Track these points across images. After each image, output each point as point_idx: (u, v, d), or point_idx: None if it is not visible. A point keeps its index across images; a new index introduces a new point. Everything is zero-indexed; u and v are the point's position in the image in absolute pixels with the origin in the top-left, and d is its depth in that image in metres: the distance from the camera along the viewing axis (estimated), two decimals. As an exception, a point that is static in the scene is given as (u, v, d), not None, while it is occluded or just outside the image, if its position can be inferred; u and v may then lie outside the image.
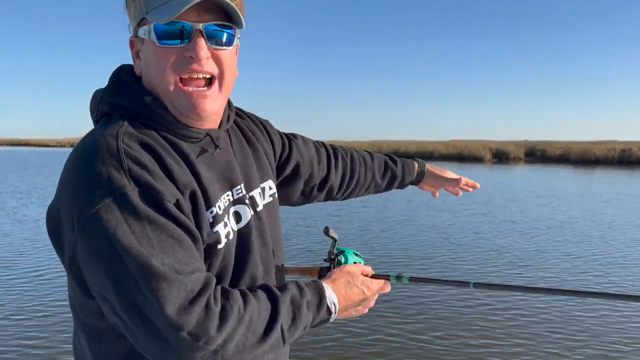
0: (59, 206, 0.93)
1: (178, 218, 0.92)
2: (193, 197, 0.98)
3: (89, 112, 1.11)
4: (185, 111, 1.01)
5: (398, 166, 1.65)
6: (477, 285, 1.26)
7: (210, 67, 1.01)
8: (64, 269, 0.97)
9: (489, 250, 7.89)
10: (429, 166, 1.72)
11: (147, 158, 0.93)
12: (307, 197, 1.51)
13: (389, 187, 1.67)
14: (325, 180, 1.51)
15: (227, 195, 1.09)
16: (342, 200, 1.63)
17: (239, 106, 1.30)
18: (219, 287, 0.94)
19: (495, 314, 4.96)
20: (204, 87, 1.02)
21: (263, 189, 1.23)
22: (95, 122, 1.08)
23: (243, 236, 1.10)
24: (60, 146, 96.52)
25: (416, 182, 1.71)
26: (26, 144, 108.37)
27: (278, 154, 1.38)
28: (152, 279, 0.85)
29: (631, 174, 26.30)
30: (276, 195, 1.28)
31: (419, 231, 8.95)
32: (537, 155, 39.03)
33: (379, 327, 4.60)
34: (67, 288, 1.07)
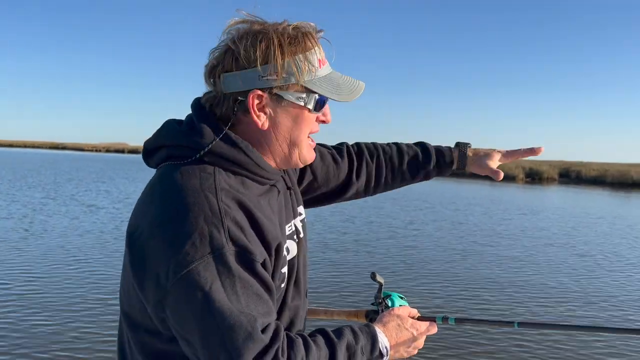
0: (148, 248, 0.98)
1: (262, 277, 1.00)
2: (277, 249, 1.07)
3: (155, 139, 1.13)
4: (308, 158, 1.17)
5: (431, 163, 1.55)
6: (522, 324, 1.28)
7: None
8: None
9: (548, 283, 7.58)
10: (472, 152, 1.55)
11: (242, 218, 1.00)
12: (321, 203, 1.55)
13: (422, 180, 1.60)
14: (344, 187, 1.52)
15: (283, 231, 1.16)
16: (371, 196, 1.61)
17: None
18: (285, 337, 1.00)
19: (541, 353, 4.77)
20: None
21: (300, 214, 1.31)
22: (167, 156, 1.09)
23: (291, 269, 1.18)
24: (96, 151, 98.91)
25: (459, 170, 1.58)
26: (63, 147, 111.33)
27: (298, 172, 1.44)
28: (237, 334, 0.93)
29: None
30: (305, 220, 1.36)
31: (460, 266, 8.58)
32: (572, 176, 38.17)
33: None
34: (121, 308, 1.12)
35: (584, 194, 26.94)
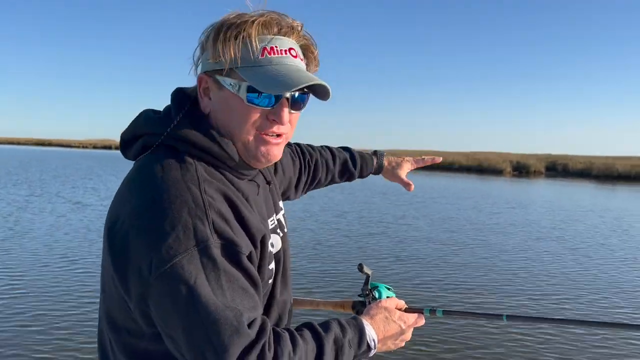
0: (130, 241, 0.95)
1: (248, 270, 0.99)
2: (262, 242, 1.06)
3: (132, 128, 1.11)
4: (259, 157, 1.08)
5: (357, 168, 1.73)
6: (510, 317, 1.28)
7: (286, 129, 1.09)
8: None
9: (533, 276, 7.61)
10: (387, 162, 1.79)
11: (227, 210, 0.99)
12: None
13: (345, 181, 1.78)
14: (296, 186, 1.59)
15: (266, 225, 1.16)
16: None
17: None
18: (271, 331, 0.98)
19: (530, 346, 4.80)
20: (276, 136, 1.09)
21: (281, 209, 1.31)
22: (143, 146, 1.08)
23: (278, 264, 1.18)
24: (83, 147, 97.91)
25: (376, 173, 1.82)
26: (49, 144, 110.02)
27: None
28: (223, 329, 0.90)
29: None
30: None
31: (450, 259, 8.64)
32: (559, 169, 38.49)
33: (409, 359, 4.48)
34: (101, 308, 1.10)
35: (570, 186, 27.18)
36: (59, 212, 12.11)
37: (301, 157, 1.60)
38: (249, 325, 0.93)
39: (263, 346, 0.93)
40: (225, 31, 1.02)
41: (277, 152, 1.09)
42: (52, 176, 23.31)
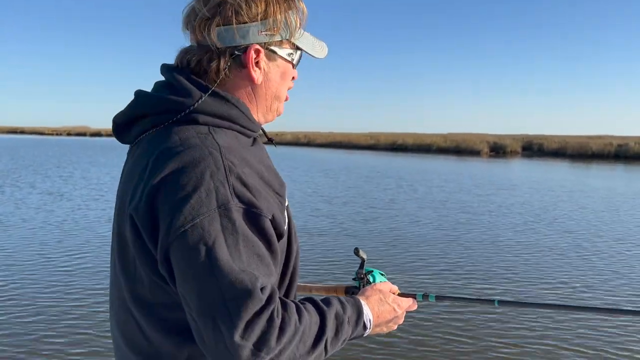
0: (156, 204, 0.96)
1: (267, 236, 1.00)
2: (284, 207, 1.08)
3: (132, 110, 1.10)
4: (281, 113, 1.20)
5: None
6: (502, 303, 1.30)
7: None
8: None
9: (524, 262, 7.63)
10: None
11: (247, 174, 1.00)
12: None
13: None
14: None
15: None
16: None
17: None
18: (279, 299, 0.99)
19: (521, 330, 4.79)
20: None
21: None
22: (153, 124, 1.07)
23: (290, 236, 1.17)
24: (57, 134, 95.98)
25: None
26: (22, 131, 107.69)
27: None
28: (237, 291, 0.91)
29: (629, 168, 26.36)
30: None
31: (443, 244, 8.56)
32: (534, 149, 39.13)
33: (403, 343, 4.51)
34: (121, 297, 1.09)
35: (547, 165, 27.64)
36: (34, 204, 11.88)
37: None
38: (264, 291, 0.94)
39: (272, 312, 0.94)
40: (285, 4, 1.08)
41: None
42: (24, 165, 22.81)
